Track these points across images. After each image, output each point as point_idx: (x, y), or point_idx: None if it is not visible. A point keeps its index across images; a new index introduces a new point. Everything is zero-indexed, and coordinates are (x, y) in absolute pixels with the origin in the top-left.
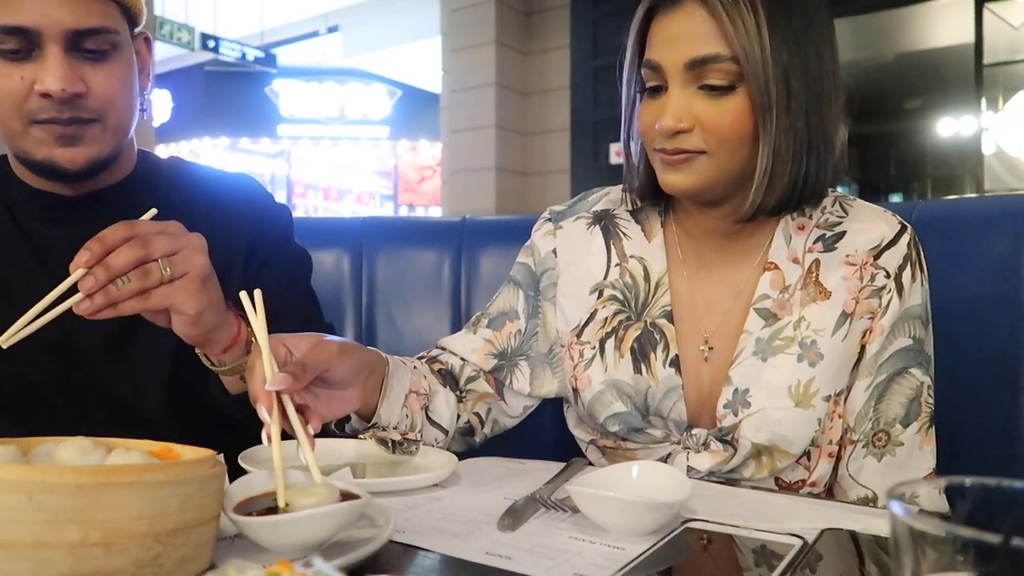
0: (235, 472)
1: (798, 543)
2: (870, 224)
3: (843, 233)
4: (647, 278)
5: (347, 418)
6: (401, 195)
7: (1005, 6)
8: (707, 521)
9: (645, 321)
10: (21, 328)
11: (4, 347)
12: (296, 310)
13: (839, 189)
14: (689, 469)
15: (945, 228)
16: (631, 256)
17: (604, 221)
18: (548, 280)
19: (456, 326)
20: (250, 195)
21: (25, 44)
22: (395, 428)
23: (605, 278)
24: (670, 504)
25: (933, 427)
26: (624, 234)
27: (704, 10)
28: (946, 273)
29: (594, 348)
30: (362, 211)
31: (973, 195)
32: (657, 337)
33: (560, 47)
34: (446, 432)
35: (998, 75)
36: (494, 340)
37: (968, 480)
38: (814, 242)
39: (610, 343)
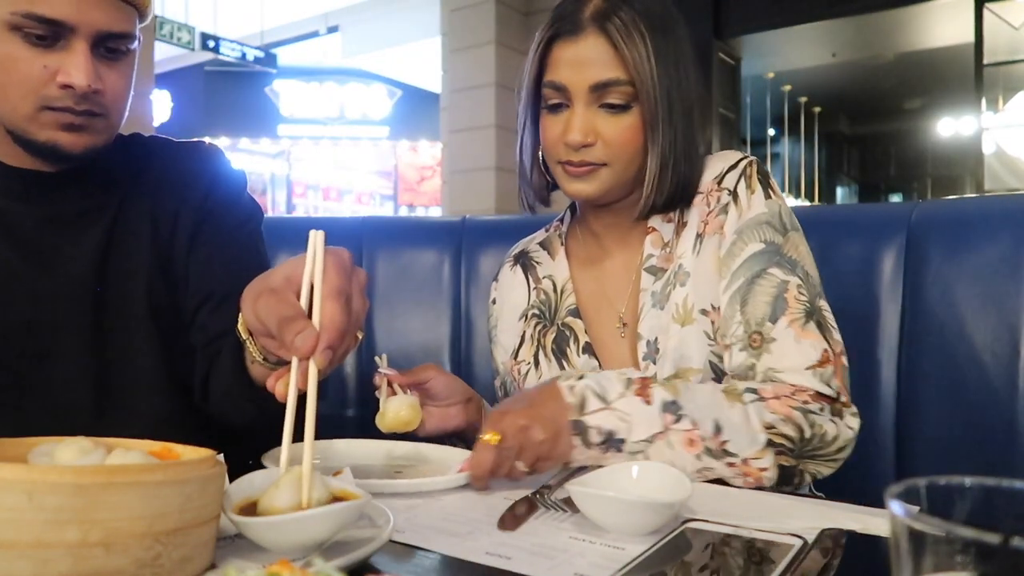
0: (235, 472)
1: (798, 543)
2: (716, 162)
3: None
4: (555, 290)
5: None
6: (401, 195)
7: (1005, 6)
8: (707, 521)
9: (557, 324)
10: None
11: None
12: (246, 250)
13: (840, 188)
14: None
15: (945, 228)
16: (543, 277)
17: (522, 259)
18: (492, 325)
19: (456, 326)
20: (206, 155)
21: (52, 34)
22: None
23: (528, 304)
24: (670, 504)
25: (812, 323)
26: (536, 263)
27: (605, 39)
28: (946, 273)
29: (528, 364)
30: (362, 211)
31: (973, 195)
32: (568, 333)
33: None
34: None
35: (998, 75)
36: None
37: (968, 480)
38: None
39: (540, 354)
